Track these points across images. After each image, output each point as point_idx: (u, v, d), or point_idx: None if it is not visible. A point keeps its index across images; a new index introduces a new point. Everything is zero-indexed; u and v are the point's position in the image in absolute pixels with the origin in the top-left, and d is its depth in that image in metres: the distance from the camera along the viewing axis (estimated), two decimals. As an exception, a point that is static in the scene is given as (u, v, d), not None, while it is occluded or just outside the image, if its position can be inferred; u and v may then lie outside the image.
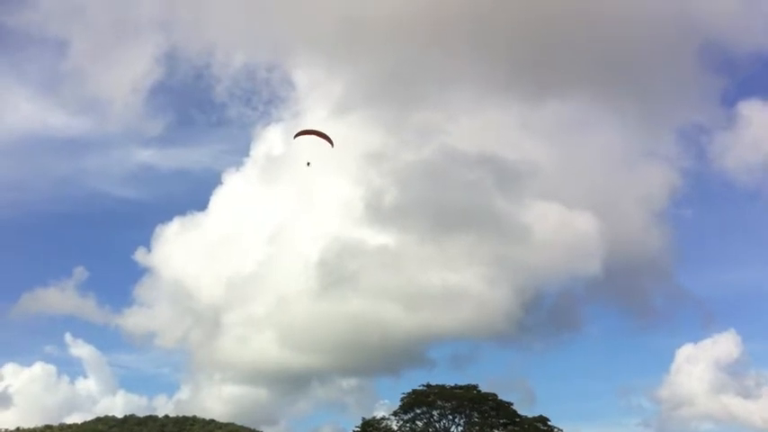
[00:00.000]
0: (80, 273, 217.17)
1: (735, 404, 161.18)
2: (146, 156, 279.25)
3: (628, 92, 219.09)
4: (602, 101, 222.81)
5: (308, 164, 62.95)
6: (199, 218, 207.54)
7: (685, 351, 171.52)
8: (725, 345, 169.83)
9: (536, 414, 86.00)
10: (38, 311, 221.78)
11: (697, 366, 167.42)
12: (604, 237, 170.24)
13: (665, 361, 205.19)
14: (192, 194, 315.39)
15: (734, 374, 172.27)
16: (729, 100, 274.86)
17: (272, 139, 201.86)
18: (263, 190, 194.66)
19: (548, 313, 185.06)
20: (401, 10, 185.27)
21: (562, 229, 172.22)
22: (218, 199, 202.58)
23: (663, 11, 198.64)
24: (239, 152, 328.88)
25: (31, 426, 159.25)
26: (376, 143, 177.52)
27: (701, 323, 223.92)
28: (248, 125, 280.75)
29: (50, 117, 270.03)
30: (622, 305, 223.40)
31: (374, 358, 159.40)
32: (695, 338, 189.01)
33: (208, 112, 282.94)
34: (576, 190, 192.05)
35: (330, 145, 61.41)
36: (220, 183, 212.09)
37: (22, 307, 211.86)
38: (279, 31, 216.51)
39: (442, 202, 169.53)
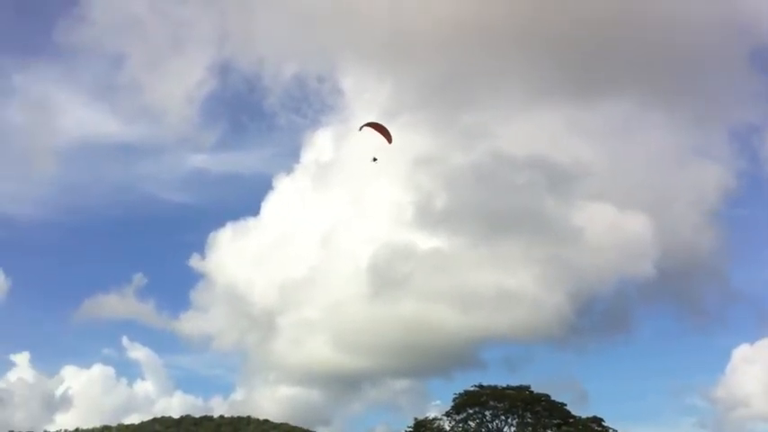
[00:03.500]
0: (139, 279, 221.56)
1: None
2: (198, 161, 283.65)
3: (678, 93, 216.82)
4: (652, 102, 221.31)
5: (375, 159, 62.18)
6: (251, 223, 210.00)
7: (741, 351, 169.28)
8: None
9: (589, 415, 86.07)
10: (98, 317, 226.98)
11: (753, 367, 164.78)
12: (657, 238, 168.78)
13: (720, 361, 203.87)
14: (244, 200, 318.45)
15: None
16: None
17: (321, 145, 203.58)
18: (313, 195, 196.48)
19: (600, 315, 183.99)
20: (448, 16, 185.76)
21: (614, 230, 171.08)
22: (270, 204, 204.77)
23: (715, 13, 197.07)
24: (290, 157, 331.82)
25: (90, 426, 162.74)
26: (425, 147, 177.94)
27: (757, 323, 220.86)
28: (298, 131, 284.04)
29: (107, 125, 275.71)
30: (676, 306, 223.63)
31: (426, 360, 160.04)
32: (751, 339, 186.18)
33: (258, 121, 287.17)
34: (627, 191, 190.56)
35: (388, 142, 61.24)
36: (271, 188, 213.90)
37: (83, 312, 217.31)
38: (327, 42, 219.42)
39: (492, 205, 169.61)
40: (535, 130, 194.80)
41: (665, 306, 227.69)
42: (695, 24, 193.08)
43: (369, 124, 61.24)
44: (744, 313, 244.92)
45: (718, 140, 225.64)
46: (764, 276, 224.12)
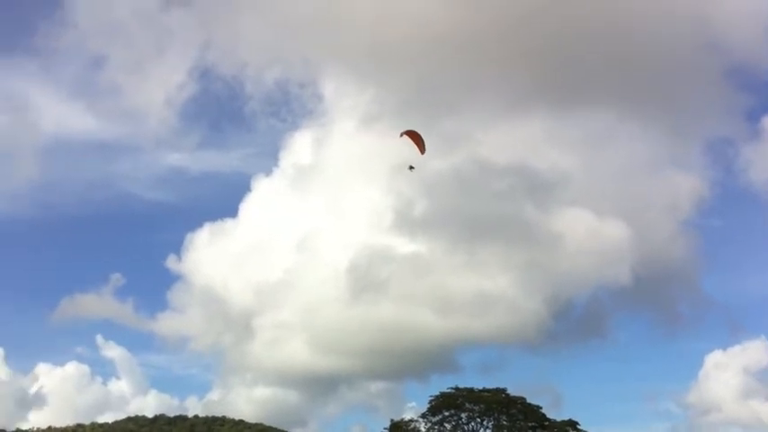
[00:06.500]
0: (117, 279, 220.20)
1: (764, 410, 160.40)
2: (176, 159, 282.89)
3: (655, 105, 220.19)
4: (629, 114, 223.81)
5: (412, 168, 62.05)
6: (229, 224, 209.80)
7: (714, 357, 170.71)
8: (754, 351, 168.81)
9: (565, 418, 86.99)
10: (76, 315, 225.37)
11: (726, 372, 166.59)
12: (633, 245, 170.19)
13: (693, 367, 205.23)
14: (222, 200, 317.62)
15: (763, 380, 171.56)
16: (755, 115, 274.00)
17: (300, 148, 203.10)
18: (291, 197, 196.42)
19: (576, 320, 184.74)
20: (429, 24, 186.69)
21: (591, 237, 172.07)
22: (248, 205, 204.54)
23: (693, 31, 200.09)
24: (269, 158, 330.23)
25: (64, 425, 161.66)
26: (405, 152, 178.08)
27: (729, 330, 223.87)
28: (277, 133, 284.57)
29: (85, 123, 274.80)
30: (650, 312, 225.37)
31: (403, 363, 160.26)
32: (724, 345, 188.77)
33: (238, 124, 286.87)
34: (604, 199, 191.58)
35: (421, 153, 60.93)
36: (249, 189, 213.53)
37: (61, 311, 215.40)
38: (310, 49, 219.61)
39: (471, 211, 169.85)
40: (515, 138, 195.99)
41: (640, 312, 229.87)
42: (674, 40, 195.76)
43: (409, 133, 60.42)
44: (716, 320, 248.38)
45: (693, 152, 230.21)
46: (736, 284, 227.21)
